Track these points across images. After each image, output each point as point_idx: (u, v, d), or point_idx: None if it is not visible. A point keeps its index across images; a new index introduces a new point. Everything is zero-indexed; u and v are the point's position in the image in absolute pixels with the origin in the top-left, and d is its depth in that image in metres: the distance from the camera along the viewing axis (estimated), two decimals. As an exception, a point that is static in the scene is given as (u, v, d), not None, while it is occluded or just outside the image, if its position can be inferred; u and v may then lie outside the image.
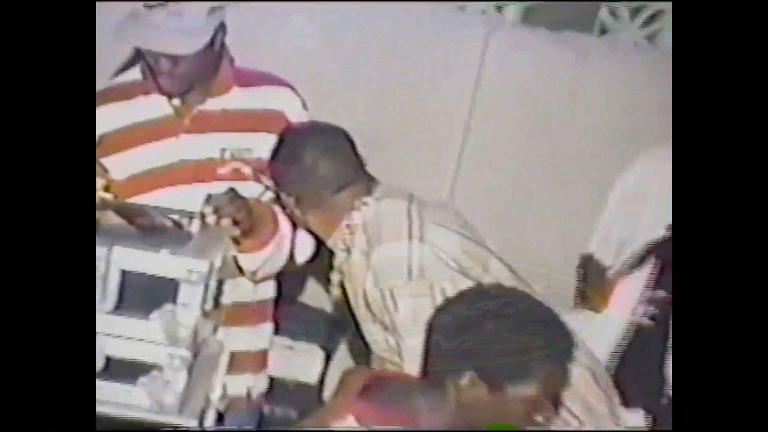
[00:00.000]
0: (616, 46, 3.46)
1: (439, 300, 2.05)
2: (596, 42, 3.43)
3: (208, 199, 2.15)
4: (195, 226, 2.11)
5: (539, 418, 1.74)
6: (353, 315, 2.38)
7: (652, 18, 3.55)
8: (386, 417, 1.73)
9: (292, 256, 2.48)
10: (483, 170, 3.17)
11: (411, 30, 3.21)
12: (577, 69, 3.09)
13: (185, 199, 2.28)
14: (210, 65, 2.40)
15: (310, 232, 2.42)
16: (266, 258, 2.40)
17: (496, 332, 1.74)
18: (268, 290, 2.58)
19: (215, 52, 2.38)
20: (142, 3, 2.27)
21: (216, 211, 2.15)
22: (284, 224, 2.42)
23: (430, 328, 1.83)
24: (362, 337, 2.39)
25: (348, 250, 2.33)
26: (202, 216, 2.12)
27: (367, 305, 2.29)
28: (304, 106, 2.50)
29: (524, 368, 1.73)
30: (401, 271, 2.22)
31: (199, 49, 2.31)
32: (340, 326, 3.02)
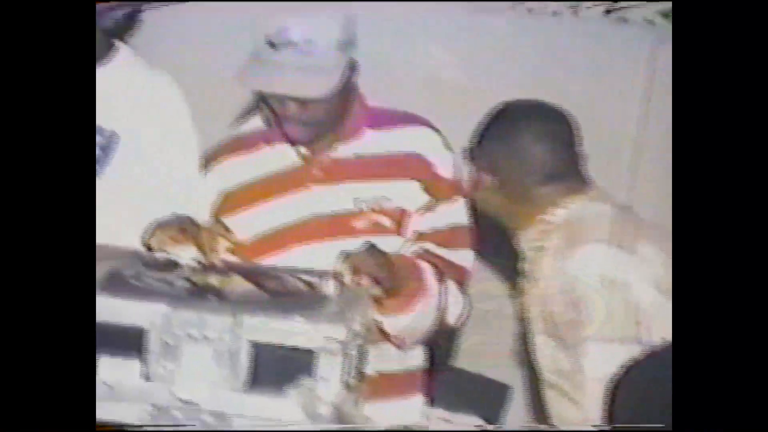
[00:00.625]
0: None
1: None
2: None
3: (345, 256, 2.00)
4: (331, 288, 1.94)
5: None
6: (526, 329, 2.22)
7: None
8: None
9: (442, 317, 2.31)
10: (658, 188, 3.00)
11: (563, 50, 3.06)
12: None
13: (318, 257, 2.15)
14: (340, 107, 2.26)
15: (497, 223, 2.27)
16: (412, 320, 2.22)
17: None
18: (417, 357, 2.40)
19: (346, 92, 2.24)
20: (264, 43, 2.18)
21: (354, 269, 2.00)
22: (431, 281, 2.23)
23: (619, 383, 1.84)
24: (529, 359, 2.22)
25: (539, 249, 2.14)
26: (339, 276, 1.96)
27: (549, 315, 2.10)
28: (447, 145, 2.32)
29: None
30: (599, 280, 2.05)
31: (330, 90, 2.18)
32: (503, 392, 2.84)
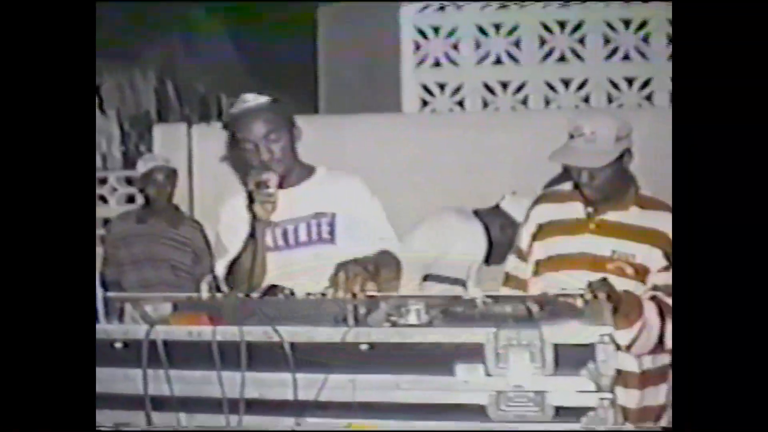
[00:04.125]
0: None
1: None
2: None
3: (596, 281, 2.85)
4: (580, 302, 2.74)
5: None
6: None
7: None
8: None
9: (662, 342, 3.11)
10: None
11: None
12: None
13: (577, 281, 2.99)
14: (618, 187, 3.21)
15: None
16: (634, 337, 3.07)
17: None
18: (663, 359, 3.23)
19: (625, 174, 3.19)
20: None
21: (593, 291, 2.83)
22: (652, 315, 3.08)
23: None
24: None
25: None
26: (590, 293, 2.78)
27: None
28: None
29: None
30: None
31: (607, 164, 3.12)
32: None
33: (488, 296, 2.80)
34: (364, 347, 2.54)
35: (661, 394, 3.25)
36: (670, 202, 2.98)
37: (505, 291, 3.40)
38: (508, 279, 3.52)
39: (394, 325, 2.57)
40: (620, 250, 3.21)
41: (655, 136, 3.72)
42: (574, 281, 2.98)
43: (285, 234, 3.37)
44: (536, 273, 3.36)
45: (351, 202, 3.37)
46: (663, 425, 3.18)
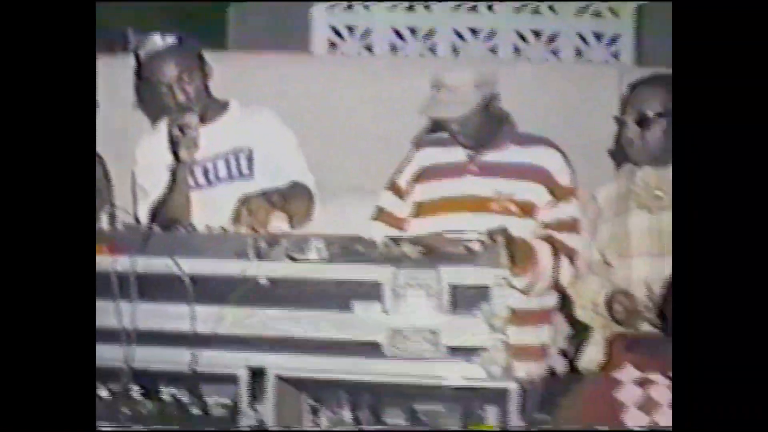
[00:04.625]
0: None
1: None
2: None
3: (495, 227, 2.90)
4: (477, 246, 2.75)
5: None
6: None
7: None
8: (652, 363, 2.38)
9: (556, 280, 3.24)
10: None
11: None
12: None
13: (464, 224, 3.05)
14: (494, 127, 3.28)
15: None
16: (529, 282, 3.17)
17: None
18: (550, 299, 3.35)
19: (494, 117, 3.24)
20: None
21: (492, 235, 2.87)
22: (546, 256, 3.18)
23: (664, 299, 2.49)
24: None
25: None
26: (489, 237, 2.81)
27: None
28: (567, 162, 3.31)
29: None
30: None
31: (471, 111, 3.18)
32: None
33: (389, 237, 2.83)
34: (263, 282, 2.56)
35: (542, 333, 3.34)
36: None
37: (377, 225, 3.42)
38: (381, 213, 3.49)
39: (294, 260, 2.59)
40: (502, 189, 3.28)
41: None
42: (457, 223, 3.04)
43: (206, 172, 3.39)
44: (416, 215, 3.40)
45: (267, 136, 3.41)
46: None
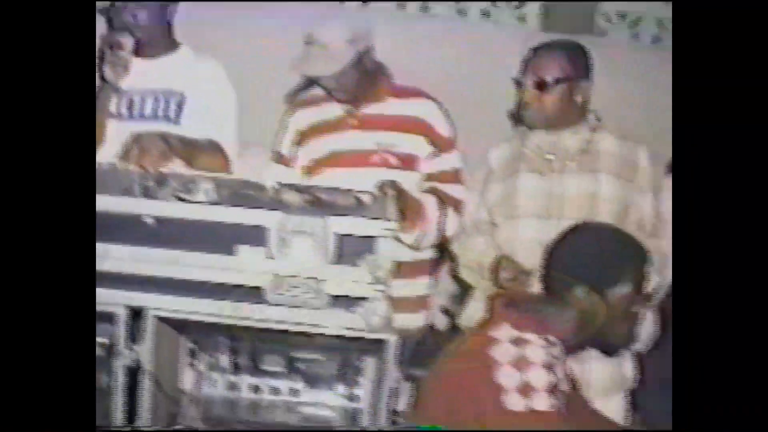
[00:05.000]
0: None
1: None
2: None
3: (386, 180, 2.91)
4: (366, 198, 2.78)
5: (635, 309, 2.41)
6: None
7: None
8: (530, 323, 2.41)
9: (443, 231, 3.25)
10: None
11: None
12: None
13: (346, 178, 3.06)
14: (370, 81, 3.23)
15: None
16: (417, 236, 3.18)
17: (594, 255, 2.39)
18: (428, 252, 3.37)
19: (371, 70, 3.20)
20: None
21: (382, 188, 2.90)
22: (432, 210, 3.19)
23: (547, 260, 2.48)
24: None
25: None
26: (379, 189, 2.84)
27: None
28: (445, 113, 3.30)
29: (620, 276, 2.38)
30: None
31: (344, 67, 3.12)
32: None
33: (279, 183, 2.82)
34: (149, 221, 2.52)
35: (424, 287, 3.37)
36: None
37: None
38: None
39: (181, 201, 2.56)
40: (383, 142, 3.27)
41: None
42: (342, 179, 3.03)
43: (130, 104, 3.30)
44: (306, 176, 3.34)
45: (206, 88, 3.33)
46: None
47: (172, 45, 3.39)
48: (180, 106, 3.30)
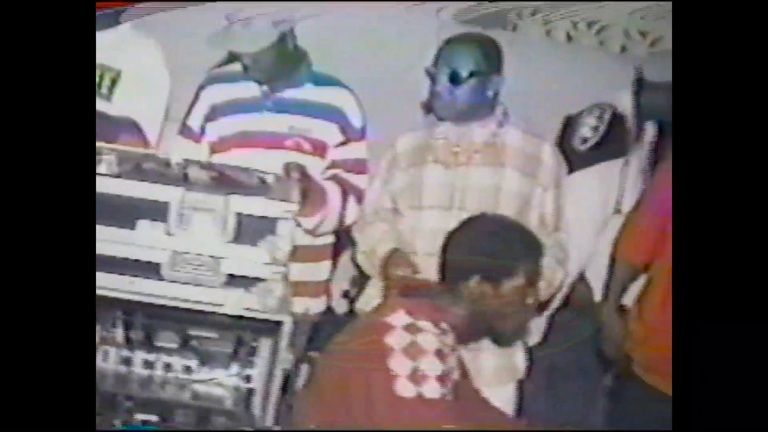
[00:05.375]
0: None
1: None
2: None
3: (292, 162, 2.90)
4: (270, 179, 2.75)
5: (529, 300, 2.46)
6: None
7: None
8: (424, 311, 2.43)
9: (342, 220, 3.25)
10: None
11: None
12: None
13: (258, 160, 3.01)
14: (289, 64, 3.22)
15: None
16: (317, 222, 3.18)
17: (488, 247, 2.43)
18: (328, 238, 3.37)
19: (290, 54, 3.19)
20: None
21: (287, 170, 2.88)
22: (335, 198, 3.19)
23: (444, 250, 2.51)
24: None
25: None
26: (284, 171, 2.83)
27: None
28: (359, 103, 3.31)
29: (512, 267, 2.43)
30: None
31: (266, 47, 3.11)
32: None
33: (183, 159, 2.79)
34: (47, 191, 2.47)
35: (323, 271, 3.38)
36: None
37: None
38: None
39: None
40: (297, 126, 3.27)
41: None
42: (251, 160, 2.99)
43: None
44: (212, 153, 3.31)
45: (141, 65, 3.27)
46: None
47: (113, 21, 3.33)
48: (113, 83, 3.24)
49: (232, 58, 3.29)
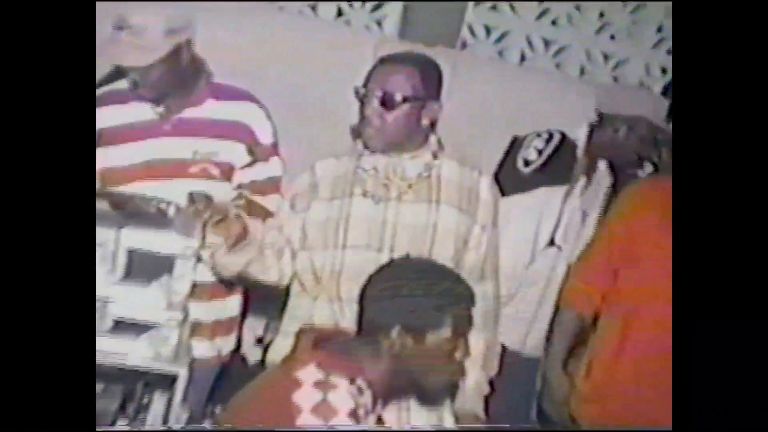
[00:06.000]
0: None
1: None
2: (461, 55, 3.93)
3: (197, 191, 2.54)
4: (172, 212, 2.46)
5: (458, 355, 2.19)
6: None
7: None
8: (339, 365, 2.17)
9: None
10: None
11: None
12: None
13: (160, 191, 2.67)
14: (186, 79, 2.87)
15: None
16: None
17: (411, 294, 2.18)
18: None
19: (188, 68, 2.86)
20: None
21: (191, 200, 2.50)
22: (244, 224, 2.71)
23: (362, 297, 2.25)
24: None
25: None
26: (189, 201, 2.48)
27: None
28: (268, 117, 2.97)
29: (438, 318, 2.17)
30: None
31: (158, 60, 2.77)
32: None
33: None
34: None
35: (231, 306, 3.05)
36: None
37: None
38: None
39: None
40: (202, 150, 2.90)
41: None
42: (158, 192, 2.65)
43: None
44: (102, 184, 2.89)
45: None
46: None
47: None
48: None
49: (119, 72, 2.90)
